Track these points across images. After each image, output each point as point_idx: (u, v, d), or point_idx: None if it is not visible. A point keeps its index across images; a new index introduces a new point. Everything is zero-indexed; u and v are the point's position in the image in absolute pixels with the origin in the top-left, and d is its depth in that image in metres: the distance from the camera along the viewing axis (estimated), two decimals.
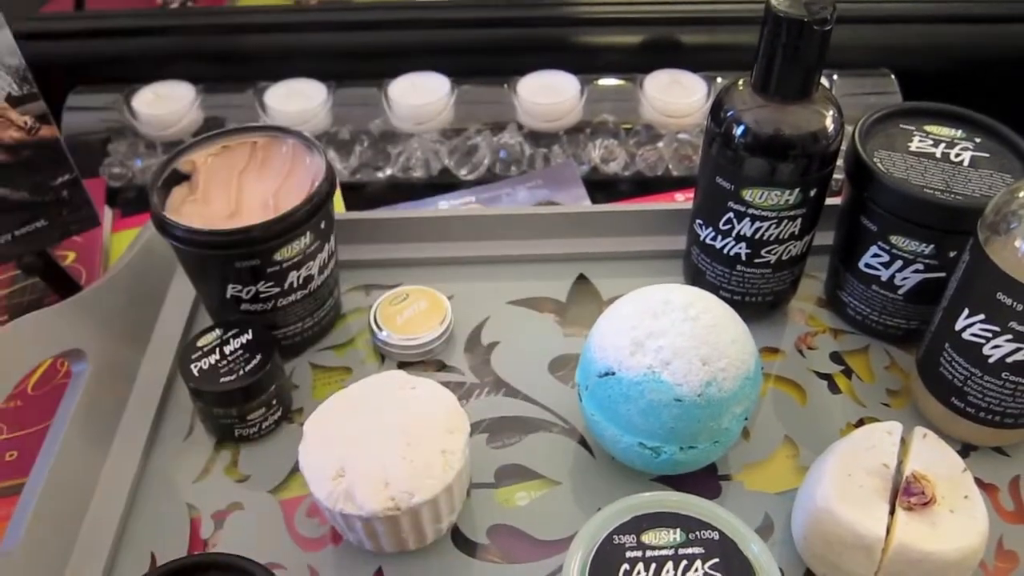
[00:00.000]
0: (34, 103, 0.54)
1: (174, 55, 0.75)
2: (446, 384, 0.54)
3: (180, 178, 0.53)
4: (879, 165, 0.51)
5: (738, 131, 0.49)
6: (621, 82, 0.73)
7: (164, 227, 0.49)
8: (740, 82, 0.50)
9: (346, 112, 0.72)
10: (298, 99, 0.71)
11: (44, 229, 0.58)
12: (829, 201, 0.53)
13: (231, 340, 0.50)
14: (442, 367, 0.56)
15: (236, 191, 0.52)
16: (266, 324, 0.52)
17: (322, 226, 0.52)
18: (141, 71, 0.74)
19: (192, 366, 0.49)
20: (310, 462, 0.44)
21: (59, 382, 0.57)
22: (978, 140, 0.53)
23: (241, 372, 0.48)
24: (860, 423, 0.52)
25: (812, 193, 0.50)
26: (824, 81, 0.52)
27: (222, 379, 0.48)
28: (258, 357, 0.49)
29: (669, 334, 0.44)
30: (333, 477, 0.42)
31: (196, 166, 0.53)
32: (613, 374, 0.44)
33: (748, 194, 0.50)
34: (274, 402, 0.50)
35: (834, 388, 0.54)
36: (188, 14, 0.81)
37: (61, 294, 0.62)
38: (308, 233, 0.50)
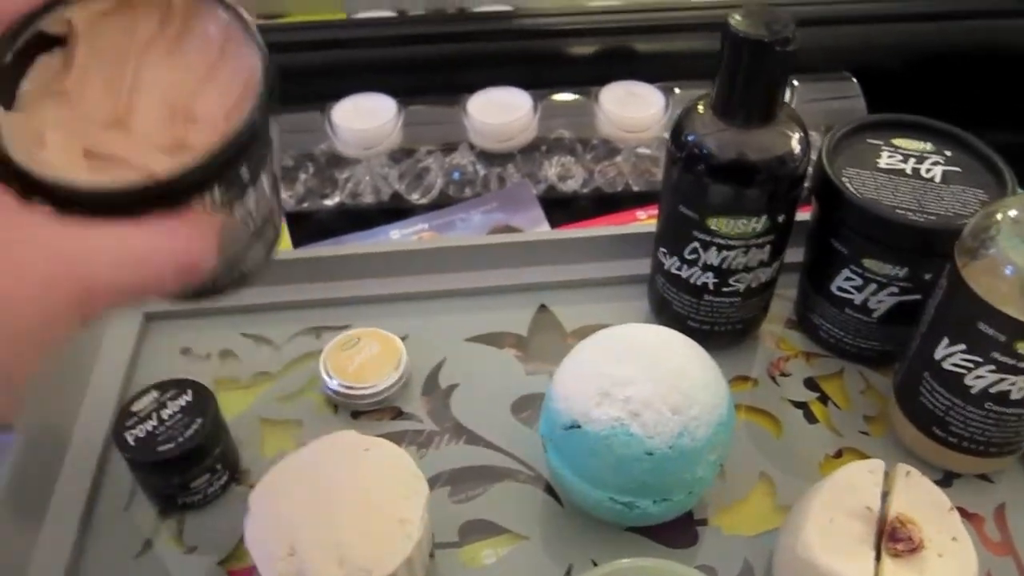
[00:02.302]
0: None
1: None
2: (403, 433, 0.51)
3: (48, 44, 0.32)
4: (848, 186, 0.48)
5: (700, 157, 0.46)
6: (576, 96, 0.70)
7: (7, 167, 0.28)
8: (700, 105, 0.47)
9: (289, 138, 0.69)
10: None
11: None
12: (797, 215, 0.50)
13: (168, 403, 0.46)
14: (399, 414, 0.52)
15: (130, 80, 0.33)
16: None
17: (250, 175, 0.32)
18: None
19: (127, 434, 0.45)
20: (257, 539, 0.40)
21: None
22: (948, 153, 0.51)
23: (180, 438, 0.45)
24: (839, 454, 0.50)
25: (780, 219, 0.48)
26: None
27: (160, 447, 0.45)
28: (198, 421, 0.46)
29: (636, 382, 0.41)
30: (283, 556, 0.39)
31: (74, 28, 0.32)
32: (579, 427, 0.42)
33: (713, 223, 0.47)
34: (219, 466, 0.47)
35: (810, 417, 0.52)
36: None
37: None
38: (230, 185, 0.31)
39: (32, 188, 0.27)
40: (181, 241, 0.28)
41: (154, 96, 0.33)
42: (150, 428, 0.45)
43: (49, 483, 0.49)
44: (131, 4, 0.33)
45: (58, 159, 0.30)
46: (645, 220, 0.66)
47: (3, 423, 0.26)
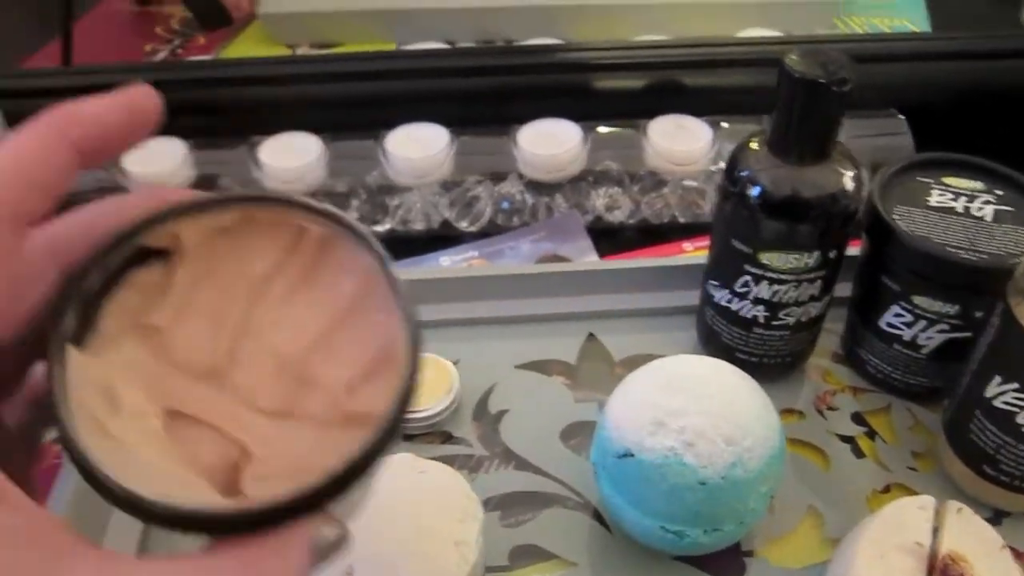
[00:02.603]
0: None
1: (163, 109, 0.73)
2: (454, 457, 0.52)
3: (144, 256, 0.26)
4: (899, 223, 0.49)
5: (754, 193, 0.47)
6: (624, 129, 0.71)
7: (73, 451, 0.22)
8: (753, 141, 0.48)
9: (342, 165, 0.70)
10: (292, 153, 0.69)
11: None
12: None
13: None
14: (449, 438, 0.53)
15: (238, 321, 0.27)
16: None
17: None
18: None
19: None
20: None
21: (51, 463, 0.55)
22: (999, 193, 0.51)
23: None
24: (887, 489, 0.50)
25: (832, 255, 0.48)
26: None
27: None
28: None
29: (690, 413, 0.42)
30: None
31: (181, 244, 0.26)
32: (632, 455, 0.42)
33: (766, 257, 0.48)
34: None
35: (858, 452, 0.52)
36: (176, 67, 0.79)
37: None
38: None
39: (92, 482, 0.22)
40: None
41: (263, 345, 0.27)
42: None
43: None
44: (255, 224, 0.27)
45: (131, 431, 0.24)
46: (691, 252, 0.67)
47: None
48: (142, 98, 0.25)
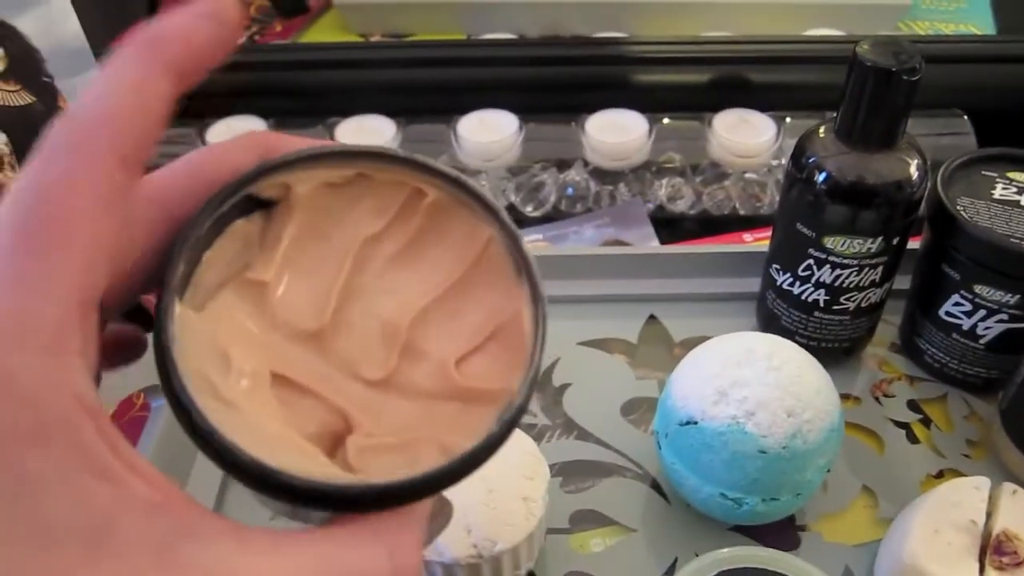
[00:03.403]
0: None
1: (243, 90, 0.76)
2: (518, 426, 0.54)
3: (252, 206, 0.24)
4: (963, 213, 0.50)
5: (820, 178, 0.48)
6: (689, 121, 0.73)
7: (179, 405, 0.21)
8: (821, 128, 0.50)
9: (414, 148, 0.72)
10: (368, 135, 0.71)
11: None
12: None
13: None
14: None
15: (344, 282, 0.25)
16: None
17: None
18: (211, 106, 0.75)
19: None
20: None
21: (135, 415, 0.58)
22: None
23: None
24: (940, 475, 0.51)
25: (895, 241, 0.50)
26: None
27: None
28: None
29: (753, 384, 0.44)
30: None
31: (291, 196, 0.24)
32: (695, 423, 0.44)
33: (830, 242, 0.49)
34: None
35: (912, 437, 0.53)
36: (257, 50, 0.82)
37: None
38: None
39: (209, 449, 0.20)
40: (394, 556, 0.21)
41: (368, 311, 0.25)
42: None
43: (193, 450, 0.52)
44: (370, 181, 0.25)
45: (243, 393, 0.22)
46: (751, 243, 0.69)
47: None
48: (225, 3, 0.22)
